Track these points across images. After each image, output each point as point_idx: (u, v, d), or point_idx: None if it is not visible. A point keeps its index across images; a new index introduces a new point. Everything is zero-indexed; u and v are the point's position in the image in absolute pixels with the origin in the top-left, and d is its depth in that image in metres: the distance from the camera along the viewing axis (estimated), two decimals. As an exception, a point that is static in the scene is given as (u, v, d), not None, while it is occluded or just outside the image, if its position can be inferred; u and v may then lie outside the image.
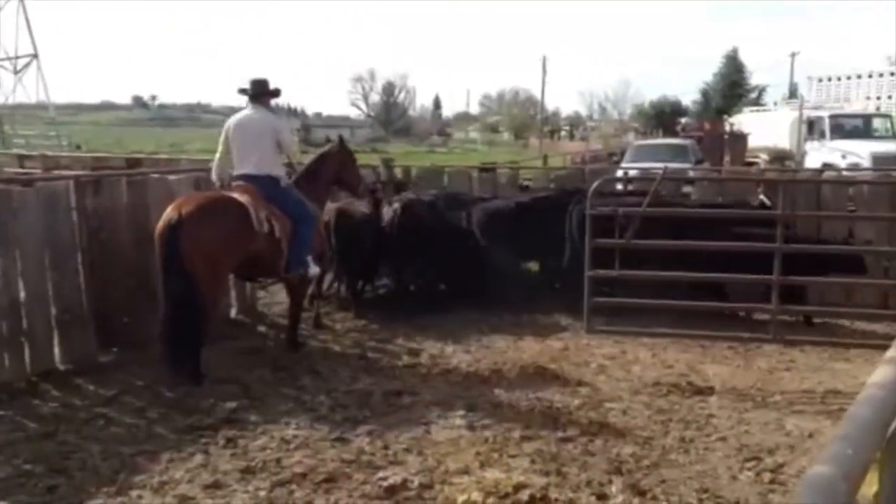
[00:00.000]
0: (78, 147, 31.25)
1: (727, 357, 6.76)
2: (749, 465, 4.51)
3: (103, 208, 6.57)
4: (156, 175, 7.53)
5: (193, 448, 4.73)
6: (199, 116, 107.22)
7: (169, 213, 5.73)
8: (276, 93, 6.66)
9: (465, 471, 4.35)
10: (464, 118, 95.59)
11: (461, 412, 5.26)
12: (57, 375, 6.01)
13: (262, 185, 6.24)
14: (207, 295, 5.79)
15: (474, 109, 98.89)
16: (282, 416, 5.21)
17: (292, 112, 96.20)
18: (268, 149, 6.34)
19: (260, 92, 6.50)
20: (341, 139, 7.51)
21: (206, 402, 5.46)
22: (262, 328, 7.42)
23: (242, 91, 6.51)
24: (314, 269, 6.63)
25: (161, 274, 5.83)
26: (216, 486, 4.24)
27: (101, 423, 5.16)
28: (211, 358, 6.42)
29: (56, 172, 10.41)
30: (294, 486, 4.20)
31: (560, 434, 4.93)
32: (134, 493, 4.16)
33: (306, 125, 77.00)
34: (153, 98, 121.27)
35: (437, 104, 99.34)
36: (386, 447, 4.69)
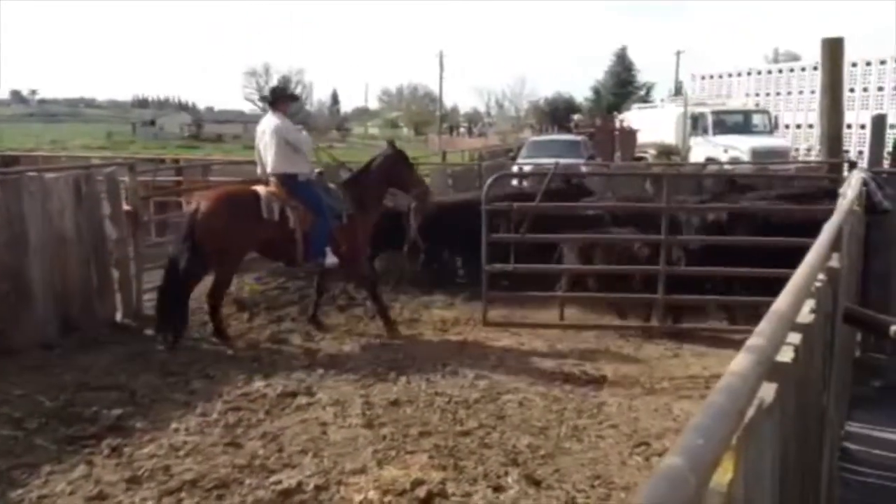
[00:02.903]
0: (-51, 144, 29.22)
1: (618, 346, 6.97)
2: (638, 450, 4.67)
3: (-27, 209, 6.16)
4: (32, 174, 7.12)
5: (76, 459, 4.51)
6: (82, 112, 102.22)
7: (193, 204, 6.91)
8: (292, 97, 7.57)
9: (363, 470, 4.31)
10: (363, 113, 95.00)
11: (358, 411, 5.22)
12: (-75, 388, 5.59)
13: (283, 181, 6.96)
14: (216, 273, 6.84)
15: (373, 104, 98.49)
16: (171, 422, 5.03)
17: (182, 106, 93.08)
18: (281, 150, 6.94)
19: (275, 98, 7.29)
20: (391, 143, 8.06)
21: (89, 411, 5.21)
22: (149, 331, 7.11)
23: (263, 98, 7.87)
24: (330, 260, 7.10)
25: (178, 250, 6.76)
26: (100, 497, 4.05)
27: (-25, 436, 4.84)
28: (94, 364, 6.17)
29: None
30: (183, 494, 4.06)
31: (458, 428, 4.97)
32: (10, 510, 3.92)
33: (197, 120, 74.67)
34: (33, 93, 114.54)
35: (334, 99, 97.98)
36: (280, 450, 4.59)
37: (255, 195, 6.81)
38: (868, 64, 25.86)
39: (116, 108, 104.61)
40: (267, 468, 4.35)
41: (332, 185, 7.38)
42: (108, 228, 7.41)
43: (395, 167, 7.62)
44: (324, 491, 4.08)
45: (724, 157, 19.86)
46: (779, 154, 20.22)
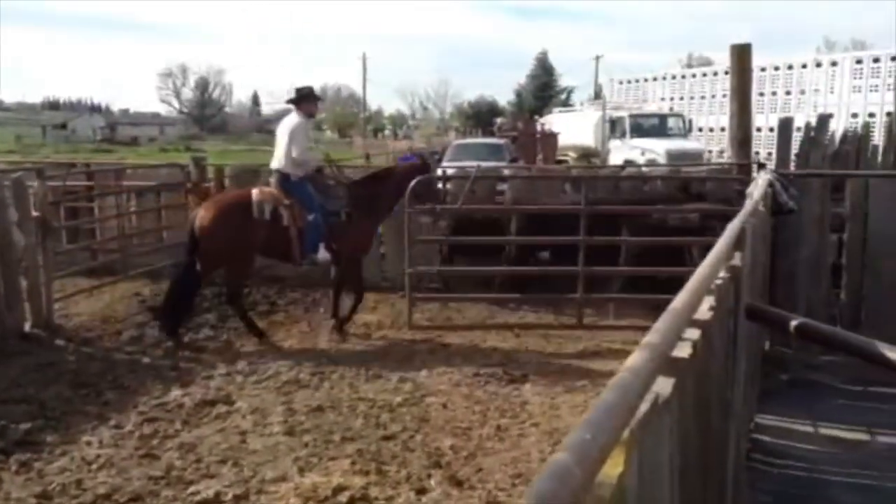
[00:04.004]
0: None
1: (541, 345, 7.08)
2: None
3: None
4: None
5: (-18, 476, 4.30)
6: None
7: (192, 214, 7.28)
8: (316, 97, 7.60)
9: (283, 478, 4.26)
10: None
11: (280, 418, 5.14)
12: None
13: (279, 179, 7.23)
14: (227, 278, 7.30)
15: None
16: (83, 435, 4.88)
17: (95, 109, 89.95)
18: (286, 148, 7.20)
19: (299, 98, 7.39)
20: (421, 156, 8.44)
21: (-4, 426, 4.98)
22: (59, 342, 6.86)
23: (290, 101, 7.53)
24: (322, 256, 7.27)
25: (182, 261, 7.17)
26: (7, 515, 3.89)
27: None
28: (2, 376, 5.93)
29: None
30: (96, 510, 3.93)
31: (381, 432, 4.97)
32: None
33: (112, 123, 72.39)
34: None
35: (255, 101, 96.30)
36: (198, 460, 4.49)
37: (249, 198, 7.07)
38: (776, 69, 26.93)
39: (25, 110, 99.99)
40: (184, 479, 4.25)
41: (331, 183, 7.50)
42: (15, 235, 7.10)
43: (412, 179, 7.59)
44: (243, 500, 4.02)
45: (641, 160, 20.38)
46: (692, 156, 20.84)
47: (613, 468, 1.00)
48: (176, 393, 5.64)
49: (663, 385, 1.36)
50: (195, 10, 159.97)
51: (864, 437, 5.08)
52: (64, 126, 69.38)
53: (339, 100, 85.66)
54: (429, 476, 4.32)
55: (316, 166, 7.49)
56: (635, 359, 1.14)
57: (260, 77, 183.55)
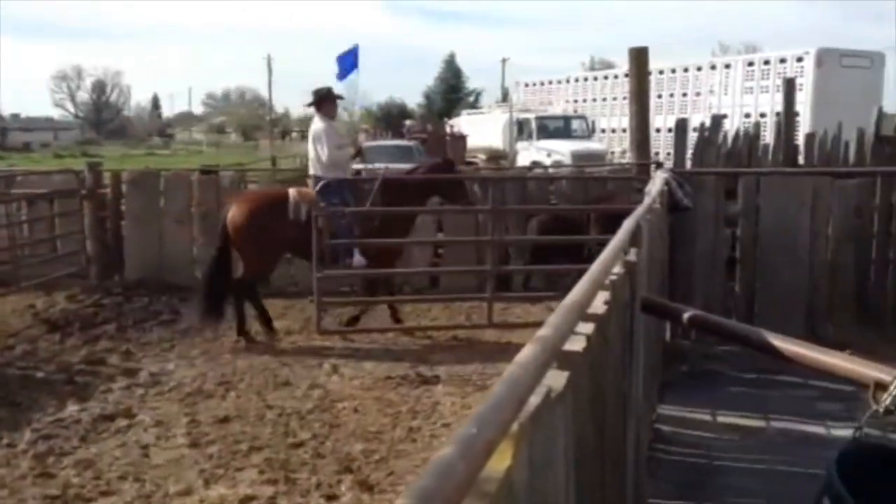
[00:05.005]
0: None
1: (452, 345, 7.12)
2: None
3: None
4: None
5: None
6: None
7: (227, 206, 7.31)
8: (335, 97, 7.61)
9: (188, 491, 4.13)
10: (187, 118, 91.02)
11: (183, 430, 4.99)
12: None
13: (315, 184, 7.32)
14: (245, 267, 7.33)
15: (198, 109, 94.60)
16: (-29, 457, 4.59)
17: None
18: (315, 153, 7.37)
19: (318, 100, 7.47)
20: (446, 158, 8.70)
21: None
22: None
23: (309, 104, 7.63)
24: (358, 260, 7.30)
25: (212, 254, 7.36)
26: None
27: None
28: None
29: None
30: (-14, 534, 3.72)
31: (290, 440, 4.88)
32: None
33: (1, 128, 68.87)
34: None
35: (155, 103, 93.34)
36: (97, 477, 4.30)
37: (284, 197, 7.20)
38: (673, 71, 27.82)
39: None
40: (82, 497, 4.07)
41: (366, 187, 7.60)
42: None
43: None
44: (146, 516, 3.88)
45: (547, 161, 20.80)
46: (596, 157, 21.43)
47: (501, 462, 1.01)
48: (72, 408, 5.38)
49: (556, 378, 1.39)
50: (88, 10, 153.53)
51: (759, 423, 5.32)
52: (-53, 132, 65.47)
53: (243, 102, 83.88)
54: (339, 482, 4.27)
55: (354, 167, 7.63)
56: (526, 353, 1.15)
57: (159, 79, 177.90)
